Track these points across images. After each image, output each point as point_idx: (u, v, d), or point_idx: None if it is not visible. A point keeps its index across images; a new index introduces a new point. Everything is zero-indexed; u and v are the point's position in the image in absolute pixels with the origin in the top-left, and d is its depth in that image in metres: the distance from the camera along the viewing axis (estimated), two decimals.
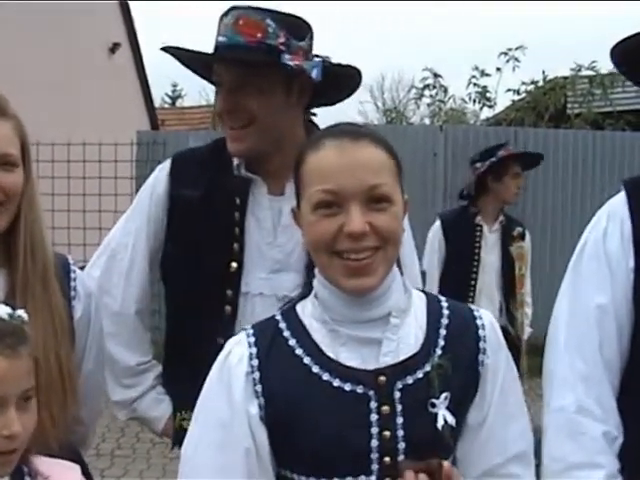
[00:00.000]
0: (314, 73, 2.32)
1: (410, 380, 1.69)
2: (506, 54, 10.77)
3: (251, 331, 1.76)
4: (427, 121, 11.82)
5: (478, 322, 1.79)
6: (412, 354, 1.71)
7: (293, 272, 2.42)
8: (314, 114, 2.65)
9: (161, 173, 2.53)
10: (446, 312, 1.80)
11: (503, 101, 11.17)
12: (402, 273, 1.84)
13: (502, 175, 5.27)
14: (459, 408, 1.71)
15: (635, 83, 2.24)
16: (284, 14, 2.40)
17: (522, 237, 5.34)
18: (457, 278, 5.23)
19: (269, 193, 2.47)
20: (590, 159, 9.22)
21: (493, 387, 1.76)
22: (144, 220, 2.52)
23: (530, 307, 5.35)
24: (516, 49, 10.70)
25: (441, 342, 1.74)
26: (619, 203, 2.12)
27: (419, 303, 1.81)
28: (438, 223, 5.43)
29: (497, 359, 1.78)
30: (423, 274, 5.08)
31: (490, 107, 10.88)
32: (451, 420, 1.68)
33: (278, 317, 1.78)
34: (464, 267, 5.25)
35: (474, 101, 10.85)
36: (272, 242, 2.45)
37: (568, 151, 9.41)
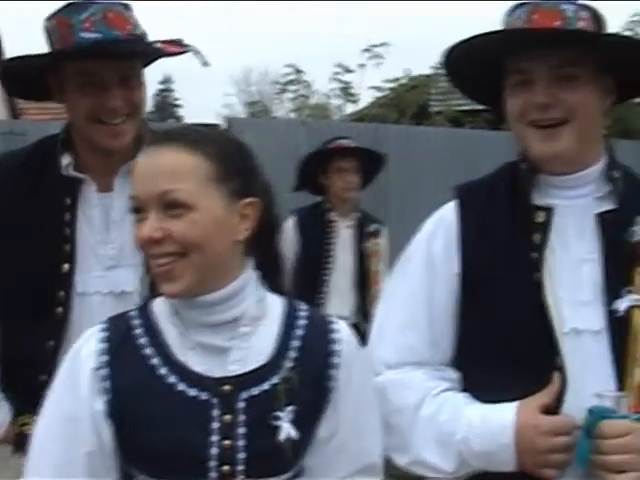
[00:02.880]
0: (201, 59, 2.42)
1: (256, 391, 1.67)
2: (369, 51, 10.85)
3: (104, 326, 1.72)
4: (292, 115, 11.75)
5: (335, 336, 1.77)
6: (261, 365, 1.69)
7: (129, 267, 2.39)
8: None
9: None
10: (302, 323, 1.76)
11: (367, 98, 11.39)
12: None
13: (327, 170, 5.21)
14: (306, 422, 1.69)
15: (462, 89, 2.26)
16: (124, 2, 2.40)
17: (378, 234, 5.29)
18: (309, 275, 5.14)
19: (98, 190, 2.44)
20: (450, 156, 9.37)
21: (346, 401, 1.75)
22: None
23: None
24: (379, 46, 10.80)
25: (292, 354, 1.72)
26: (449, 209, 2.13)
27: (276, 311, 1.76)
28: (292, 219, 5.30)
29: (351, 373, 1.76)
30: None
31: (353, 103, 10.96)
32: (294, 434, 1.66)
33: (132, 313, 1.75)
34: (317, 264, 5.16)
35: (337, 97, 10.90)
36: (104, 239, 2.43)
37: (429, 147, 9.53)
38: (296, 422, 1.67)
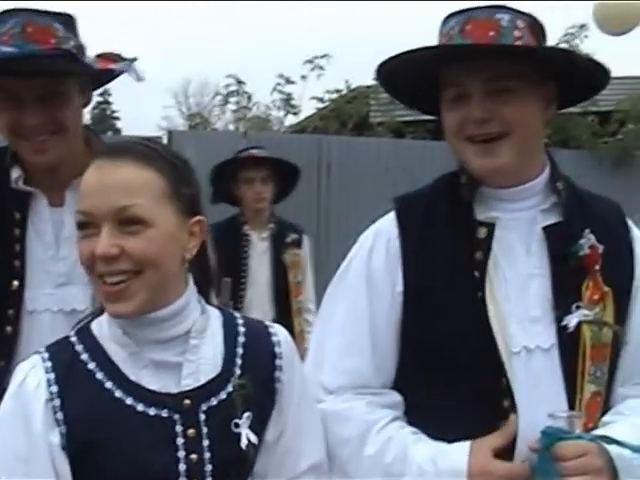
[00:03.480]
0: (134, 75, 2.34)
1: (214, 401, 1.67)
2: (311, 62, 10.83)
3: (46, 355, 1.66)
4: (232, 127, 11.68)
5: (274, 339, 1.79)
6: (214, 375, 1.68)
7: (80, 285, 2.32)
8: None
9: None
10: (242, 330, 1.77)
11: (308, 109, 11.39)
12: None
13: (237, 181, 5.11)
14: (259, 426, 1.70)
15: (401, 101, 2.24)
16: (64, 14, 2.31)
17: (297, 244, 5.18)
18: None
19: (49, 205, 2.38)
20: (392, 166, 9.38)
21: (289, 402, 1.76)
22: None
23: (313, 314, 5.03)
24: (321, 57, 10.80)
25: (239, 361, 1.72)
26: (388, 221, 2.07)
27: (215, 322, 1.76)
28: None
29: (292, 374, 1.78)
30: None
31: (295, 114, 10.94)
32: (254, 439, 1.67)
33: (73, 339, 1.70)
34: (233, 278, 5.06)
35: (278, 108, 10.87)
36: (55, 255, 2.36)
37: (371, 159, 9.54)
38: (253, 427, 1.69)
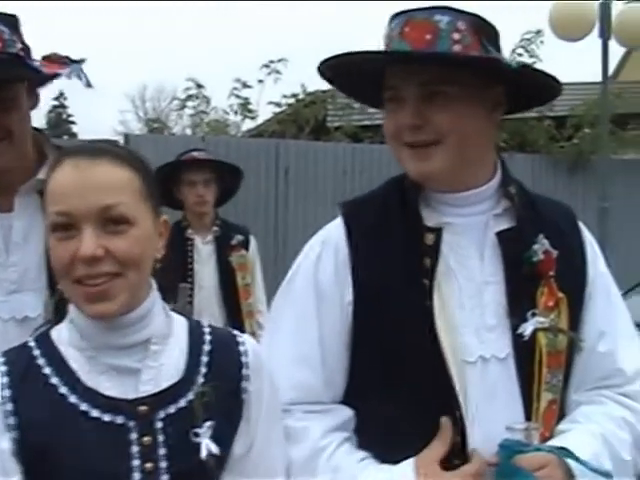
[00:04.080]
0: (83, 81, 2.29)
1: (172, 409, 1.62)
2: (268, 66, 10.81)
3: (1, 359, 1.62)
4: (189, 132, 11.61)
5: (241, 348, 1.74)
6: (174, 382, 1.64)
7: (31, 292, 2.28)
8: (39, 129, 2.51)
9: None
10: (208, 338, 1.73)
11: (265, 113, 11.34)
12: None
13: (179, 184, 5.04)
14: (224, 437, 1.65)
15: (351, 96, 2.23)
16: (8, 15, 2.26)
17: (243, 246, 5.12)
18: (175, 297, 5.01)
19: None
20: (350, 171, 9.39)
21: (258, 414, 1.72)
22: None
23: (264, 315, 4.96)
24: (278, 62, 10.77)
25: (203, 369, 1.68)
26: (335, 228, 2.00)
27: (180, 329, 1.72)
28: None
29: (261, 385, 1.73)
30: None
31: (252, 119, 10.90)
32: (215, 450, 1.61)
33: (32, 344, 1.66)
34: (180, 284, 4.97)
35: (235, 112, 10.82)
36: (4, 262, 2.31)
37: (329, 163, 9.54)
38: (216, 437, 1.63)
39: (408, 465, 1.83)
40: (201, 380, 1.67)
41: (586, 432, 1.92)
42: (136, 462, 1.60)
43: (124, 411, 1.61)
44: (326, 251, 1.98)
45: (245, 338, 1.79)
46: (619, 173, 11.08)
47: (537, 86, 1.97)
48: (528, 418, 1.88)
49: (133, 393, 1.63)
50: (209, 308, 5.01)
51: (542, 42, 11.60)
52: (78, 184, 1.57)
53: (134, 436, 1.60)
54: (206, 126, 10.70)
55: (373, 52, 1.92)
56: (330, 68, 1.99)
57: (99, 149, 1.63)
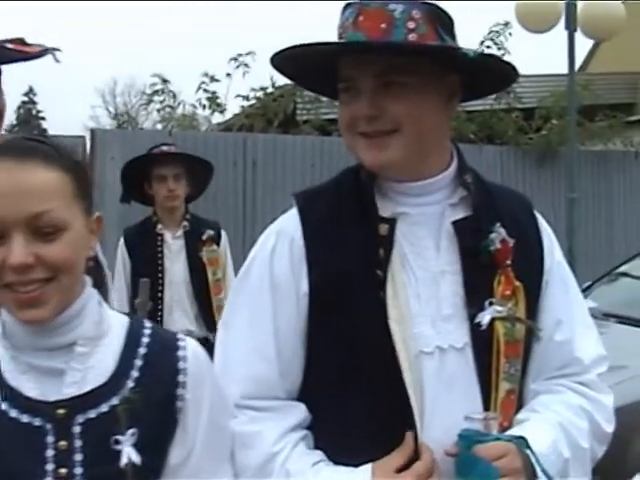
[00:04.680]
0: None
1: (93, 414, 1.56)
2: (236, 60, 10.75)
3: None
4: (159, 126, 11.52)
5: (180, 353, 1.67)
6: (98, 386, 1.57)
7: None
8: None
9: None
10: (146, 341, 1.66)
11: (233, 107, 11.24)
12: None
13: (150, 178, 5.00)
14: (153, 446, 1.58)
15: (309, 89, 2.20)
16: None
17: (214, 241, 5.08)
18: None
19: None
20: (318, 164, 9.38)
21: (197, 423, 1.65)
22: None
23: None
24: (246, 55, 10.71)
25: (135, 374, 1.61)
26: (290, 219, 1.97)
27: (118, 329, 1.65)
28: (121, 238, 5.10)
29: (201, 393, 1.66)
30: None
31: (220, 112, 10.83)
32: (136, 459, 1.54)
33: None
34: (151, 279, 4.81)
35: (204, 107, 10.76)
36: None
37: (297, 156, 9.52)
38: (140, 446, 1.56)
39: (365, 472, 1.81)
40: (131, 385, 1.61)
41: (544, 421, 1.92)
42: (50, 466, 1.54)
43: (42, 413, 1.56)
44: (281, 242, 1.95)
45: (187, 343, 1.72)
46: (587, 164, 11.17)
47: (493, 74, 1.96)
48: (487, 408, 1.88)
49: (55, 395, 1.58)
50: (180, 304, 5.01)
51: (510, 34, 11.60)
52: (6, 190, 1.51)
53: (50, 439, 1.55)
54: (174, 121, 10.62)
55: (328, 43, 1.88)
56: (284, 60, 1.96)
57: (28, 149, 1.57)
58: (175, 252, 5.05)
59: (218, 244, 5.13)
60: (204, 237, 5.04)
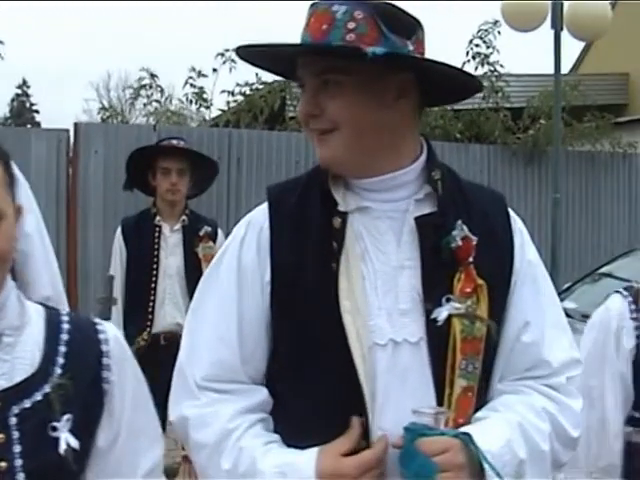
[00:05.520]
0: None
1: (28, 403, 1.54)
2: (223, 55, 10.72)
3: None
4: (145, 121, 11.45)
5: (101, 336, 1.67)
6: (29, 375, 1.56)
7: None
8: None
9: None
10: (66, 327, 1.65)
11: (219, 102, 11.19)
12: None
13: (154, 170, 5.07)
14: (85, 429, 1.59)
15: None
16: None
17: (211, 237, 5.13)
18: (138, 283, 5.02)
19: None
20: (303, 160, 9.35)
21: (122, 405, 1.66)
22: None
23: None
24: (233, 50, 10.66)
25: (61, 360, 1.60)
26: (261, 211, 2.02)
27: (37, 319, 1.64)
28: (120, 227, 5.16)
29: (124, 375, 1.67)
30: (111, 279, 4.87)
31: (207, 108, 10.79)
32: (74, 443, 1.55)
33: None
34: (144, 271, 4.99)
35: (191, 102, 10.72)
36: None
37: (282, 152, 9.51)
38: (75, 430, 1.56)
39: (310, 453, 1.84)
40: (59, 371, 1.60)
41: (503, 420, 1.92)
42: None
43: None
44: (250, 232, 2.01)
45: (106, 326, 1.73)
46: (574, 165, 11.16)
47: (445, 77, 1.96)
48: (440, 404, 1.88)
49: None
50: (172, 297, 5.07)
51: (499, 33, 11.55)
52: None
53: None
54: (161, 116, 10.57)
55: (271, 46, 1.95)
56: (251, 55, 2.04)
57: None
58: (172, 245, 5.12)
59: (214, 241, 5.17)
60: (201, 233, 5.12)
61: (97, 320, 1.75)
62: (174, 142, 5.31)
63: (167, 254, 5.09)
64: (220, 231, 5.31)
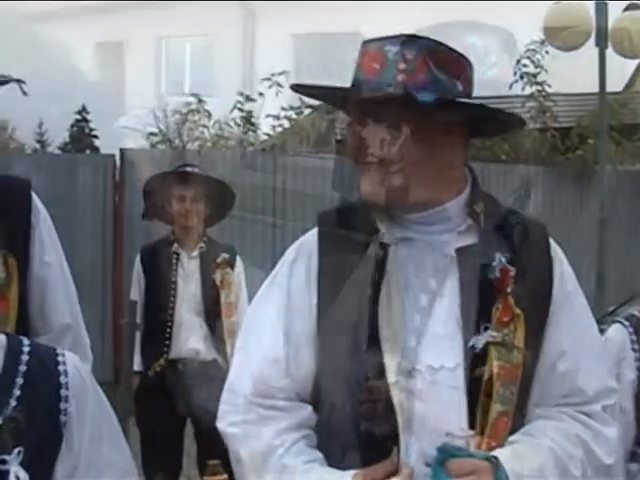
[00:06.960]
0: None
1: None
2: (269, 79, 10.80)
3: None
4: (191, 146, 11.51)
5: (60, 368, 1.67)
6: None
7: None
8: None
9: None
10: (25, 358, 1.65)
11: (265, 127, 11.26)
12: None
13: (170, 198, 5.06)
14: (39, 463, 1.57)
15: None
16: None
17: (229, 264, 5.11)
18: (156, 309, 5.03)
19: None
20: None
21: (81, 436, 1.65)
22: None
23: None
24: (279, 75, 10.74)
25: (17, 392, 1.60)
26: (311, 236, 2.10)
27: None
28: (139, 254, 5.19)
29: (83, 406, 1.66)
30: (134, 304, 4.91)
31: (254, 132, 10.87)
32: (24, 477, 1.54)
33: None
34: (162, 297, 4.98)
35: (238, 126, 10.81)
36: None
37: (327, 178, 9.49)
38: (27, 464, 1.55)
39: (346, 475, 1.91)
40: (14, 404, 1.59)
41: (535, 444, 1.96)
42: None
43: None
44: (301, 256, 2.09)
45: (67, 357, 1.72)
46: (625, 184, 10.99)
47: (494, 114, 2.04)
48: (472, 427, 1.92)
49: None
50: (190, 323, 5.03)
51: (547, 52, 11.44)
52: None
53: None
54: (208, 141, 10.68)
55: (322, 88, 2.11)
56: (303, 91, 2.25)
57: None
58: (189, 272, 5.10)
59: (232, 268, 5.14)
60: (219, 260, 5.08)
61: (59, 350, 1.74)
62: (189, 169, 5.29)
63: (184, 280, 5.09)
64: (239, 259, 5.28)
